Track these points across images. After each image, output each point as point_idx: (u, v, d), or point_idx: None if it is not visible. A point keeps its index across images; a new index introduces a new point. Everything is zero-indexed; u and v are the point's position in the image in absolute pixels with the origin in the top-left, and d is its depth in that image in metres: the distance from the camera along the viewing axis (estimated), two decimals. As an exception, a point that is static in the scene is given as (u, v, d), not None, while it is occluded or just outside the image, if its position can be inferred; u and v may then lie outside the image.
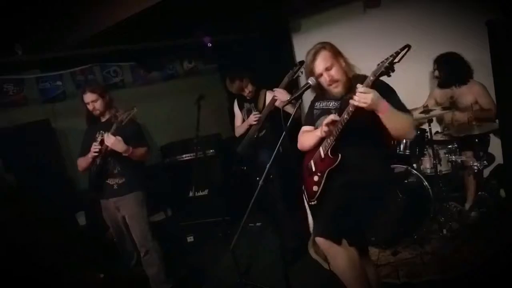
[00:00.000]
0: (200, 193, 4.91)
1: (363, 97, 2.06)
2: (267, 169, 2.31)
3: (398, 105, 2.21)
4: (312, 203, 2.41)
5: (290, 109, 2.52)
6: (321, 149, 2.38)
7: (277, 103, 3.56)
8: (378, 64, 2.10)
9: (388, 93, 2.21)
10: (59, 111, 4.65)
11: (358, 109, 2.13)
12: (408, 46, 1.99)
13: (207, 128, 4.87)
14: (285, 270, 2.57)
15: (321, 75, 2.36)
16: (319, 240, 2.19)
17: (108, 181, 3.21)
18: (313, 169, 2.43)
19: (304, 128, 2.61)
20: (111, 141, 2.96)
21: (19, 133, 4.09)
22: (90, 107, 3.19)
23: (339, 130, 2.24)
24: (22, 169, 4.02)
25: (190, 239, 4.56)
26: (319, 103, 2.53)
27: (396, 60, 2.01)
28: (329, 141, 2.32)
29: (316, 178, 2.38)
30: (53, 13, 3.79)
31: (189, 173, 4.85)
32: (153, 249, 3.27)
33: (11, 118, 4.28)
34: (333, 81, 2.33)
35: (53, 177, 4.21)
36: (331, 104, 2.43)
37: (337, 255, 2.18)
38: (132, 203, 3.21)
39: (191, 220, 4.81)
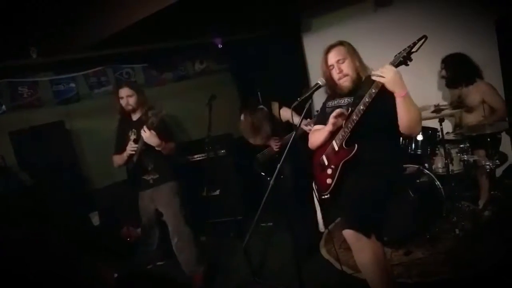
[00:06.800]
0: (212, 193, 4.94)
1: (385, 69, 2.09)
2: (277, 169, 2.32)
3: None
4: (325, 196, 2.41)
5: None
6: (334, 142, 2.39)
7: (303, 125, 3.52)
8: (396, 55, 2.14)
9: None
10: (73, 113, 4.70)
11: (374, 100, 2.15)
12: (425, 37, 2.06)
13: (218, 128, 4.87)
14: (298, 269, 2.58)
15: (332, 67, 2.39)
16: (348, 232, 2.18)
17: (144, 177, 3.45)
18: (326, 163, 2.43)
19: (315, 127, 2.62)
20: (147, 135, 3.17)
21: (34, 134, 4.14)
22: (123, 101, 3.35)
23: (355, 122, 2.24)
24: (38, 169, 4.08)
25: (202, 239, 4.59)
26: (331, 102, 2.55)
27: (414, 50, 2.07)
28: (343, 133, 2.32)
29: (329, 171, 2.38)
30: (66, 16, 3.85)
31: (201, 173, 4.88)
32: (185, 234, 3.43)
33: (26, 119, 4.33)
34: (343, 74, 2.37)
35: (67, 177, 4.26)
36: (343, 101, 2.45)
37: (364, 249, 2.17)
38: (167, 193, 3.45)
39: (203, 220, 4.84)
